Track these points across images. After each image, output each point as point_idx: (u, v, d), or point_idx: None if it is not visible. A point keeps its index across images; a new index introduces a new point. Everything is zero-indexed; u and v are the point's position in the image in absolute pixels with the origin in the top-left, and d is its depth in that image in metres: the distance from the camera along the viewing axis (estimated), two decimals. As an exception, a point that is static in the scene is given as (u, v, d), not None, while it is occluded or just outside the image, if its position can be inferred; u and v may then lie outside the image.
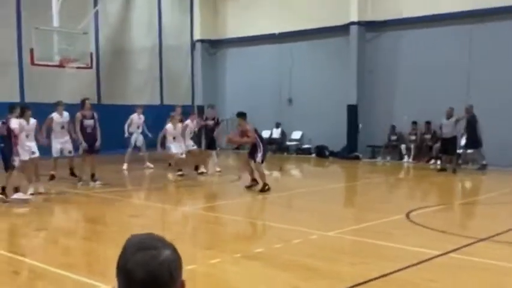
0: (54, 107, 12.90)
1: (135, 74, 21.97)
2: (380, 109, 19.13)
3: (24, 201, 10.33)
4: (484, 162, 15.65)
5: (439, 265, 6.22)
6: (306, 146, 20.98)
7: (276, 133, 21.60)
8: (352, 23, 19.21)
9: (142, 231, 1.57)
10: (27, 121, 11.09)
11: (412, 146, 18.23)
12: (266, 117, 20.49)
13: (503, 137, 15.99)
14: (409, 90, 18.35)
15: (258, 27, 21.70)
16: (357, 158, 19.04)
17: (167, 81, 23.12)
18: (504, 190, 12.37)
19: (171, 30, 23.16)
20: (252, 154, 11.94)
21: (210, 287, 5.67)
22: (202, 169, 14.95)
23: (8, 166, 10.38)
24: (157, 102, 22.32)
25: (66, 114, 12.87)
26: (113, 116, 16.83)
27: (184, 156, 14.20)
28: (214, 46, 24.03)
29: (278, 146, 21.31)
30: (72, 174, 13.13)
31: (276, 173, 12.36)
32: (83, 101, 12.79)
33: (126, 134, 15.79)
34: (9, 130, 10.42)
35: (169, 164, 15.57)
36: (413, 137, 18.32)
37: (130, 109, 16.60)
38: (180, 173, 14.18)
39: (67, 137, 12.82)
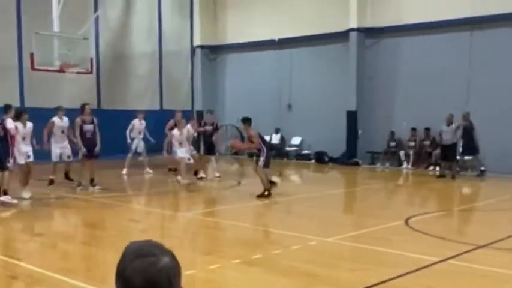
0: (55, 111, 12.94)
1: (135, 79, 21.99)
2: (379, 115, 19.15)
3: (11, 205, 10.30)
4: (482, 168, 15.69)
5: (438, 272, 6.21)
6: (306, 151, 20.99)
7: (276, 139, 21.60)
8: (352, 30, 19.24)
9: (141, 236, 1.58)
10: (24, 124, 11.09)
11: (411, 152, 18.24)
12: (266, 123, 20.47)
13: (502, 144, 16.00)
14: (409, 96, 18.38)
15: (258, 33, 21.74)
16: (356, 164, 19.04)
17: (167, 86, 23.14)
18: (503, 197, 12.37)
19: (171, 36, 23.20)
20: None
21: (208, 293, 5.66)
22: (201, 174, 14.96)
23: (2, 167, 10.34)
24: (157, 107, 22.33)
25: (66, 119, 12.91)
26: (112, 121, 16.83)
27: (192, 161, 14.19)
28: (214, 52, 24.07)
29: (277, 152, 21.30)
30: (67, 178, 13.16)
31: (275, 178, 12.40)
32: (83, 106, 12.80)
33: (129, 140, 15.78)
34: (6, 130, 10.40)
35: (169, 169, 15.58)
36: (412, 143, 18.32)
37: (130, 114, 16.61)
38: (199, 176, 14.72)
39: (66, 142, 12.86)
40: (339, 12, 19.53)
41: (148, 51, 22.50)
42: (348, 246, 7.84)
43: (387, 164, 18.79)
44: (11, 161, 10.55)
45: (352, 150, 19.45)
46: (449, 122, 15.45)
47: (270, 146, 12.68)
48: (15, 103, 17.11)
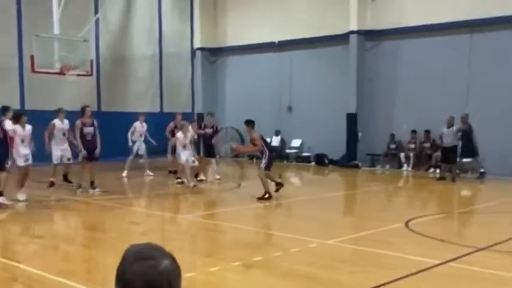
0: (55, 114, 12.96)
1: (136, 82, 22.02)
2: (379, 118, 19.15)
3: (6, 206, 10.30)
4: (482, 170, 15.69)
5: (438, 274, 6.21)
6: (306, 154, 20.99)
7: (276, 141, 21.59)
8: (352, 32, 19.26)
9: (141, 238, 1.59)
10: (23, 127, 11.09)
11: (411, 154, 18.24)
12: (266, 125, 20.42)
13: (502, 146, 16.01)
14: (409, 99, 18.39)
15: (258, 35, 21.76)
16: (356, 166, 19.05)
17: (167, 88, 23.17)
18: (503, 199, 12.37)
19: (171, 38, 23.23)
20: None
21: (208, 295, 5.66)
22: (201, 177, 14.97)
23: (1, 169, 10.33)
24: (157, 109, 22.35)
25: (66, 121, 12.96)
26: (113, 124, 16.85)
27: (197, 163, 14.18)
28: (214, 54, 24.09)
29: (277, 154, 21.27)
30: (66, 180, 13.17)
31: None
32: (83, 109, 12.82)
33: (130, 143, 15.76)
34: (4, 132, 10.40)
35: (169, 171, 15.59)
36: (412, 146, 18.32)
37: (130, 117, 16.62)
38: (199, 178, 14.68)
39: (66, 144, 12.89)
40: (339, 14, 19.55)
41: (149, 54, 22.53)
42: (348, 248, 7.83)
43: (387, 167, 18.79)
44: (10, 162, 10.55)
45: (352, 153, 19.46)
46: (450, 124, 15.46)
47: (270, 149, 12.68)
48: (16, 105, 17.14)
